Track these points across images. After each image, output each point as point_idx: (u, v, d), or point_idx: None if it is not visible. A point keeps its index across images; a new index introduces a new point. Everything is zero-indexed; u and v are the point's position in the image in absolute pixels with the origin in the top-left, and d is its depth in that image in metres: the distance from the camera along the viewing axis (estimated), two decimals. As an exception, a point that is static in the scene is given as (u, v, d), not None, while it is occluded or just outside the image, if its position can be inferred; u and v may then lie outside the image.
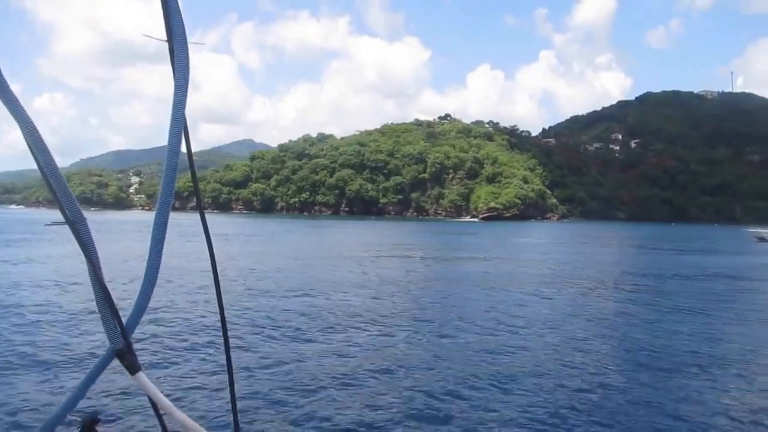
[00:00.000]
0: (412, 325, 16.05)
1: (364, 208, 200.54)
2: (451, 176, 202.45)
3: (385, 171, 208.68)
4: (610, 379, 11.25)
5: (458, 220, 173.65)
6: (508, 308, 19.08)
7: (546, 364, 12.07)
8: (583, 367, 11.97)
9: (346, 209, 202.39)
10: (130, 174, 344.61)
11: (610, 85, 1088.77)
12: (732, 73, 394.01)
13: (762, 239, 73.50)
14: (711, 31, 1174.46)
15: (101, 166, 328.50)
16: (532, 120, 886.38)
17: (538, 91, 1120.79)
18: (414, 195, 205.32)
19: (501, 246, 55.69)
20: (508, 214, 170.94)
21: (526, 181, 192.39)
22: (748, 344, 14.51)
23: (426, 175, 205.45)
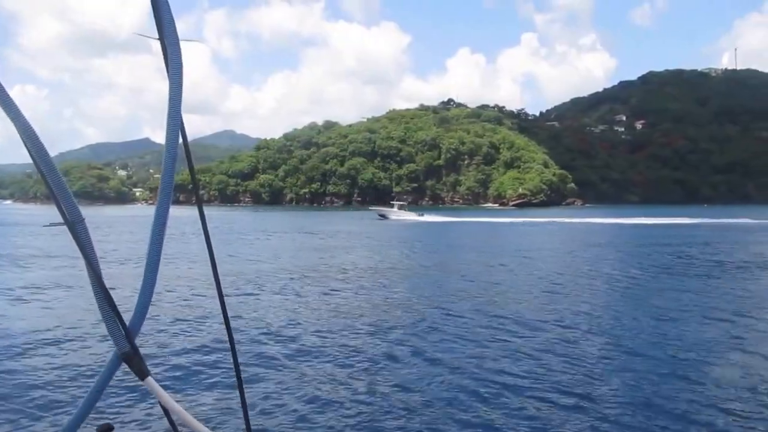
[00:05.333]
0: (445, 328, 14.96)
1: (376, 197, 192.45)
2: (467, 162, 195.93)
3: (398, 158, 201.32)
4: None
5: (482, 206, 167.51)
6: None
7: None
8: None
9: (359, 199, 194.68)
10: (116, 167, 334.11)
11: (594, 66, 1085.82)
12: (736, 49, 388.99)
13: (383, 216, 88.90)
14: (697, 6, 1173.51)
15: (79, 160, 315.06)
16: (516, 104, 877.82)
17: (521, 75, 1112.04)
18: (429, 183, 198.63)
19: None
20: (536, 201, 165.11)
21: (546, 166, 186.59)
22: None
23: (440, 162, 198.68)
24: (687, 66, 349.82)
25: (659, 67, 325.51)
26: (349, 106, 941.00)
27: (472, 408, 9.21)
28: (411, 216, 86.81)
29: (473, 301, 18.54)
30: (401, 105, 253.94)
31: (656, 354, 12.36)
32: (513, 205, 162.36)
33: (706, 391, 9.94)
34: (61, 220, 1.01)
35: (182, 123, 1.08)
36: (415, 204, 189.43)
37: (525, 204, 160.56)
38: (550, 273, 25.75)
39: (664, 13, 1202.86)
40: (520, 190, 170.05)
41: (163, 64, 1.06)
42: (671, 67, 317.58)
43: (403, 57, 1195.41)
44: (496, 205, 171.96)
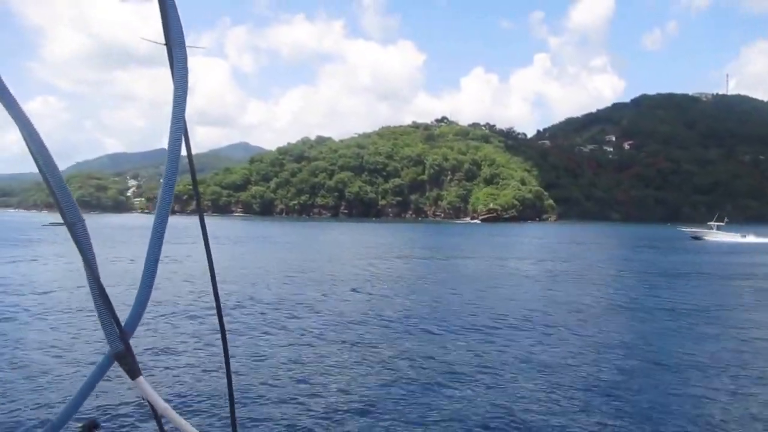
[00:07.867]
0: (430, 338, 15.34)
1: (363, 210, 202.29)
2: (449, 178, 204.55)
3: (384, 173, 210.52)
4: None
5: (457, 221, 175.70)
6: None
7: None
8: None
9: (345, 211, 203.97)
10: (128, 177, 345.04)
11: (603, 88, 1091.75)
12: (727, 75, 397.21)
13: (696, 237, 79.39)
14: (707, 32, 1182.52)
15: (97, 170, 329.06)
16: (525, 122, 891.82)
17: (532, 94, 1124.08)
18: (413, 197, 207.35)
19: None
20: (506, 216, 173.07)
21: (523, 183, 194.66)
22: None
23: (425, 177, 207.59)
24: (695, 90, 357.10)
25: (666, 91, 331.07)
26: (364, 121, 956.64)
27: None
28: (731, 237, 75.67)
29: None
30: (417, 121, 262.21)
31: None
32: (481, 219, 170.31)
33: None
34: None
35: (186, 129, 1.09)
36: (398, 216, 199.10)
37: (494, 218, 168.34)
38: None
39: (675, 39, 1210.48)
40: (491, 205, 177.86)
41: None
42: (679, 91, 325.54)
43: (418, 74, 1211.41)
44: (468, 218, 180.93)
